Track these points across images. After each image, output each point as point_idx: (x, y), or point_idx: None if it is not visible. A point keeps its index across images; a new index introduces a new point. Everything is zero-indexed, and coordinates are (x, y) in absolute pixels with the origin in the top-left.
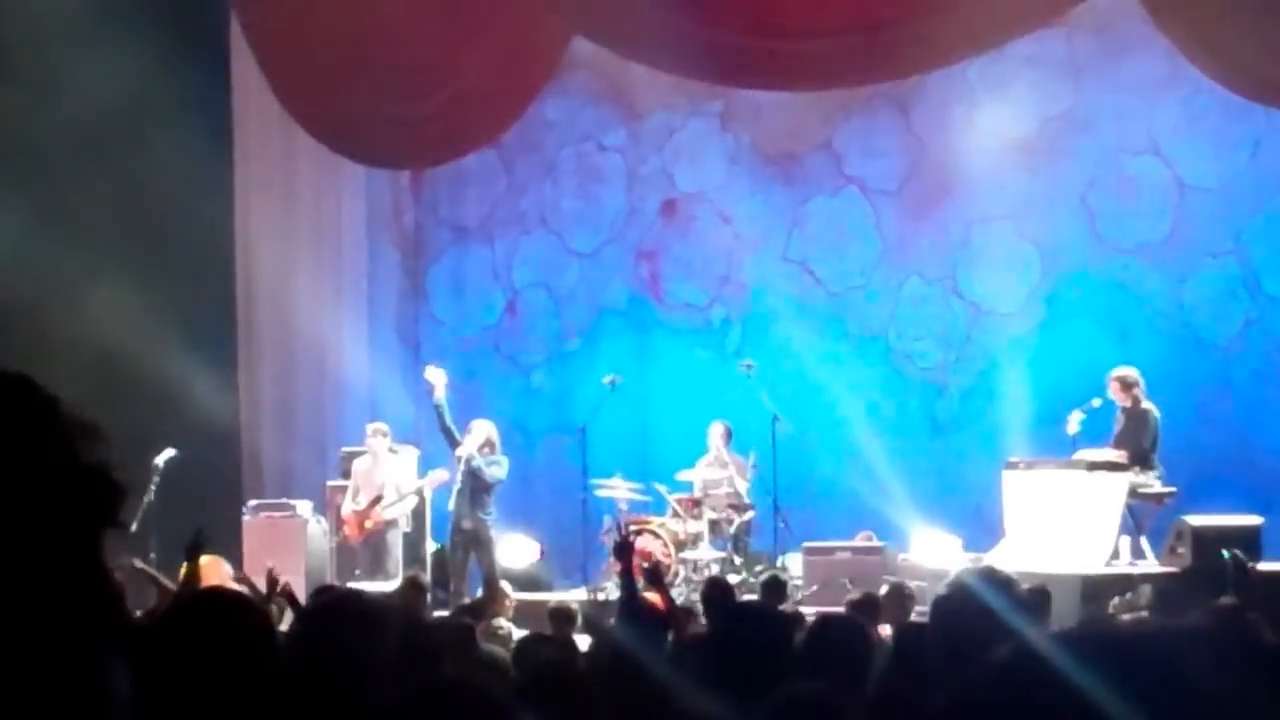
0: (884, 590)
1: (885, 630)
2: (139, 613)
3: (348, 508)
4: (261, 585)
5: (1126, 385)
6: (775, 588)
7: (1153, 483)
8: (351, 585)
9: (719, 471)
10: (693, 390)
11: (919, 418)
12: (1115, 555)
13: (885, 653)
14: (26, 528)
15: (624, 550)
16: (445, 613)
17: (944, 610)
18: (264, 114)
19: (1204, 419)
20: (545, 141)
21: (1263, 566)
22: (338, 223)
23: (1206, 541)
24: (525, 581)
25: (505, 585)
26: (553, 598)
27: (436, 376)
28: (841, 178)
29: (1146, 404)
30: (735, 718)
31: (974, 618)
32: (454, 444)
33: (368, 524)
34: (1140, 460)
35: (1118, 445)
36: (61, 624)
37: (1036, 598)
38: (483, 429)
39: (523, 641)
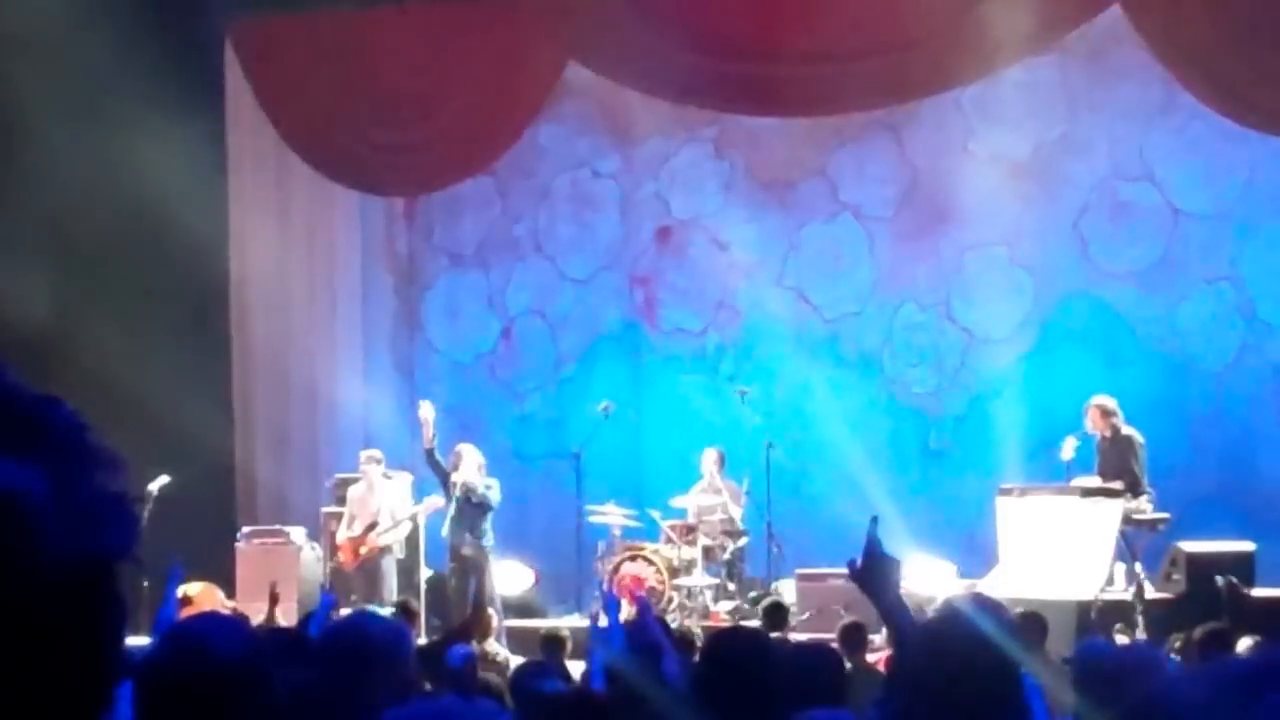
0: None
1: (884, 656)
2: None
3: (342, 534)
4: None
5: (1106, 414)
6: (776, 613)
7: (1145, 508)
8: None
9: (713, 497)
10: (687, 416)
11: (913, 444)
12: (1110, 581)
13: (878, 680)
14: (42, 554)
15: (611, 604)
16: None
17: (935, 635)
18: (258, 141)
19: (1198, 445)
20: (540, 168)
21: (1257, 592)
22: (332, 249)
23: (1201, 567)
24: (519, 607)
25: (490, 610)
26: (546, 624)
27: (427, 413)
28: (836, 204)
29: (1128, 430)
30: None
31: (966, 643)
32: (444, 477)
33: (363, 550)
34: (1131, 486)
35: (1102, 473)
36: (71, 659)
37: (1031, 624)
38: (472, 454)
39: (519, 670)
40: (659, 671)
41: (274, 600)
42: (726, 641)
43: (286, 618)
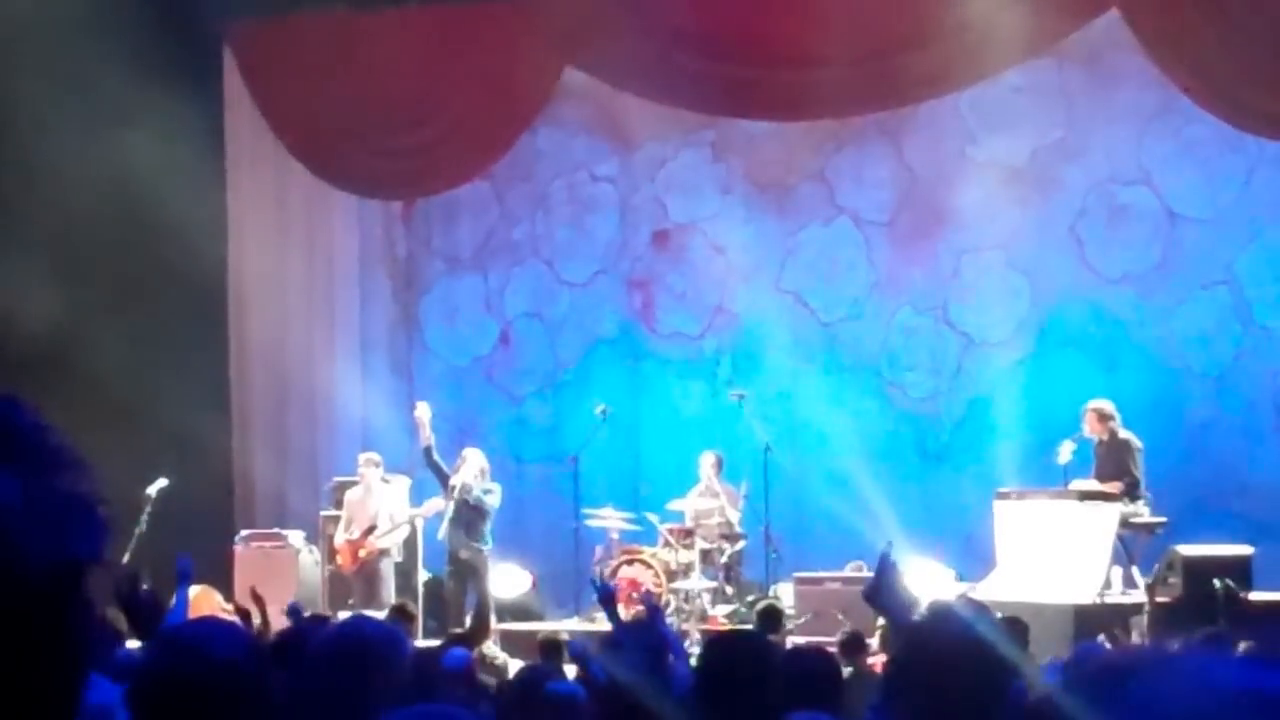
0: (881, 621)
1: (881, 661)
2: None
3: (341, 537)
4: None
5: (1103, 417)
6: (771, 617)
7: (1143, 512)
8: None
9: (710, 501)
10: (684, 420)
11: (910, 447)
12: (1107, 585)
13: (874, 685)
14: (15, 559)
15: (607, 598)
16: (436, 642)
17: (921, 637)
18: (257, 144)
19: (1194, 449)
20: (537, 171)
21: (1254, 596)
22: (330, 253)
23: (1198, 571)
24: (517, 611)
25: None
26: (544, 627)
27: (424, 413)
28: (833, 208)
29: (1125, 433)
30: None
31: (954, 645)
32: (444, 478)
33: (361, 553)
34: (1128, 490)
35: (1099, 477)
36: (41, 662)
37: (1013, 629)
38: (476, 458)
39: (522, 673)
40: (666, 674)
41: (259, 603)
42: (725, 645)
43: (277, 622)
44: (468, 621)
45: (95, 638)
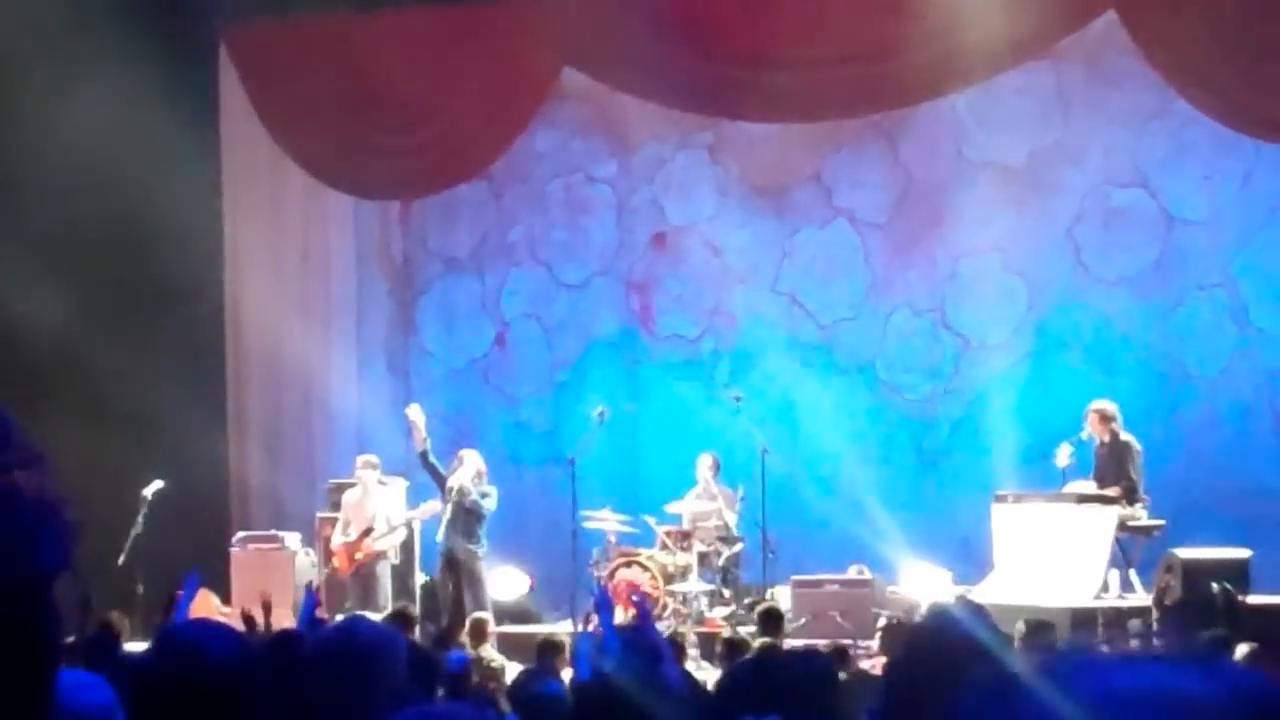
0: (881, 623)
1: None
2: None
3: (338, 540)
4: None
5: (1105, 419)
6: (772, 619)
7: (1140, 515)
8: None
9: (708, 504)
10: (682, 422)
11: (907, 450)
12: (1105, 588)
13: (875, 687)
14: None
15: (605, 606)
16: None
17: (923, 639)
18: (253, 145)
19: (1192, 451)
20: (535, 173)
21: (1252, 599)
22: (326, 254)
23: (1196, 574)
24: (515, 613)
25: (484, 615)
26: (542, 630)
27: (417, 416)
28: (830, 210)
29: (1126, 436)
30: None
31: (953, 648)
32: (441, 480)
33: (358, 556)
34: (1127, 492)
35: (1099, 479)
36: (6, 672)
37: (1040, 631)
38: (473, 460)
39: (520, 677)
40: (659, 675)
41: (267, 610)
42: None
43: (280, 624)
44: (468, 624)
45: (58, 642)
